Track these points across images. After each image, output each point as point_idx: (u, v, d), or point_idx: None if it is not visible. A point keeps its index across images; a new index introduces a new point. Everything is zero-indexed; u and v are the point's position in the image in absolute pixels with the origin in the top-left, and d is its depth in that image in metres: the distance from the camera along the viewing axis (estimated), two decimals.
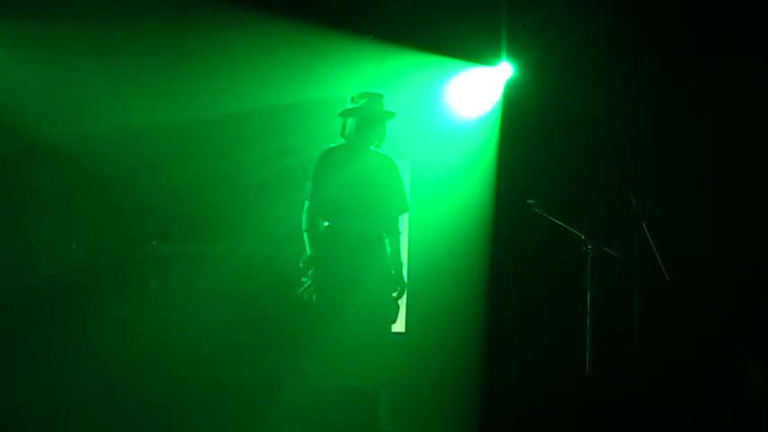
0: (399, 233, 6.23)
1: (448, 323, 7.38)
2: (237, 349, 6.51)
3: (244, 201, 6.94)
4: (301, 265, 6.09)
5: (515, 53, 7.42)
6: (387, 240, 6.15)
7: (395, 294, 6.16)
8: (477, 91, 7.52)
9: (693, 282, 6.93)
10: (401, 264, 6.18)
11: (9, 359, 6.47)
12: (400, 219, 6.27)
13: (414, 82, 7.37)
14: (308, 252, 6.04)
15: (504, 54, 7.40)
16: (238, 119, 7.00)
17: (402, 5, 7.27)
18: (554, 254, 7.13)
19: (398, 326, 7.21)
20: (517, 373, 7.28)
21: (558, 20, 7.35)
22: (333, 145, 6.19)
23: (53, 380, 6.51)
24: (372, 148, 6.18)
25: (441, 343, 7.35)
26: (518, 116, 7.48)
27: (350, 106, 6.15)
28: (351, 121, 6.13)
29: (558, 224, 6.65)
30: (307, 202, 6.10)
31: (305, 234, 6.08)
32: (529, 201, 6.75)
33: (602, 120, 7.34)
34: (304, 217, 6.10)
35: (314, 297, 6.00)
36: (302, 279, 6.06)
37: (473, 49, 7.40)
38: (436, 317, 7.42)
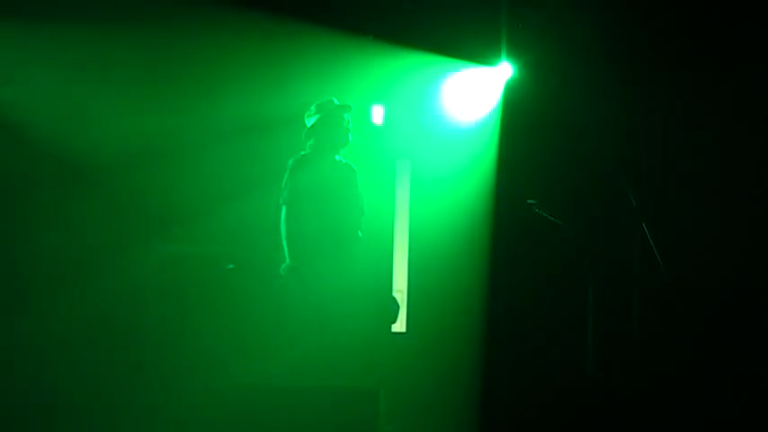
0: (359, 237, 6.39)
1: (448, 323, 7.38)
2: (235, 350, 6.52)
3: (244, 200, 6.94)
4: (282, 272, 6.25)
5: (515, 53, 7.42)
6: (353, 244, 6.34)
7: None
8: (477, 91, 7.52)
9: (693, 281, 6.93)
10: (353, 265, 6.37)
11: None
12: (363, 224, 6.46)
13: (414, 82, 7.37)
14: (288, 261, 6.22)
15: (504, 54, 7.40)
16: (238, 119, 7.01)
17: (402, 5, 7.27)
18: (554, 254, 7.13)
19: (398, 326, 7.22)
20: (517, 372, 7.28)
21: (558, 20, 7.35)
22: (303, 152, 6.39)
23: (50, 378, 6.53)
24: (338, 157, 6.41)
25: (441, 343, 7.35)
26: (518, 116, 7.48)
27: (308, 124, 6.38)
28: (312, 139, 6.36)
29: (558, 224, 6.65)
30: (284, 208, 6.26)
31: (284, 241, 6.23)
32: (529, 201, 6.75)
33: (601, 119, 7.34)
34: (282, 224, 6.26)
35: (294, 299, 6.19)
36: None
37: (473, 49, 7.39)
38: (436, 317, 7.42)
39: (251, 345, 6.44)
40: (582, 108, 7.31)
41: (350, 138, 6.40)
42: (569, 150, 7.38)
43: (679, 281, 6.64)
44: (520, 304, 7.38)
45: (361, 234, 6.41)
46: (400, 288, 7.45)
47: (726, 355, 6.83)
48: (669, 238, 6.77)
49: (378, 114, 7.29)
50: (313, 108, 6.39)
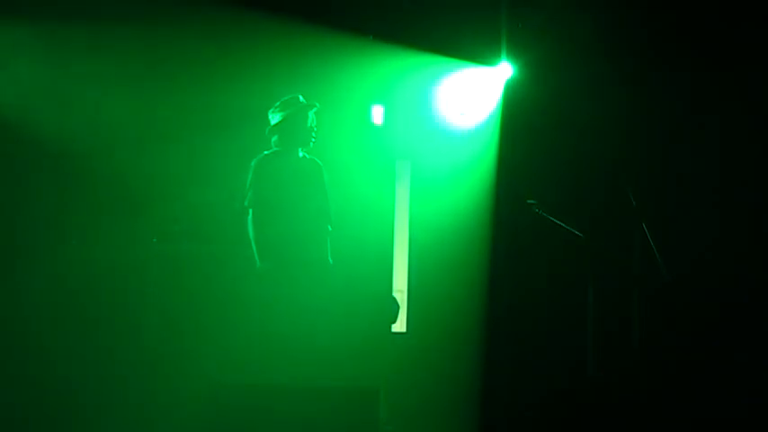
0: (329, 231, 6.38)
1: (448, 323, 7.38)
2: (235, 349, 6.53)
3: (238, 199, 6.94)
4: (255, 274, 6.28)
5: (515, 53, 7.42)
6: (325, 238, 6.34)
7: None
8: (477, 91, 7.52)
9: (693, 281, 6.93)
10: (328, 263, 6.37)
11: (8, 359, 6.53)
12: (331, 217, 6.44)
13: (414, 82, 7.37)
14: (259, 263, 6.22)
15: (504, 54, 7.40)
16: (238, 120, 7.01)
17: (402, 5, 7.27)
18: (554, 254, 7.13)
19: (398, 326, 7.22)
20: (517, 373, 7.28)
21: (558, 20, 7.35)
22: (266, 152, 6.38)
23: (51, 378, 6.54)
24: (301, 153, 6.39)
25: (441, 343, 7.35)
26: (518, 116, 7.48)
27: (272, 121, 6.36)
28: (276, 136, 6.35)
29: (558, 224, 6.65)
30: (251, 210, 6.26)
31: (253, 243, 6.24)
32: (529, 201, 6.75)
33: (601, 119, 7.34)
34: (250, 226, 6.26)
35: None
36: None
37: (473, 49, 7.39)
38: (436, 317, 7.42)
39: (244, 345, 6.45)
40: (582, 108, 7.31)
41: (314, 136, 6.39)
42: (569, 150, 7.37)
43: (679, 281, 6.63)
44: (520, 304, 7.38)
45: (330, 228, 6.38)
46: (400, 288, 7.45)
47: (726, 355, 6.83)
48: (669, 238, 6.77)
49: (378, 114, 7.29)
50: (278, 105, 6.37)
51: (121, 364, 6.62)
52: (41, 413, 6.45)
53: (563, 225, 6.64)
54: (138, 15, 6.79)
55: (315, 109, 6.38)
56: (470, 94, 7.53)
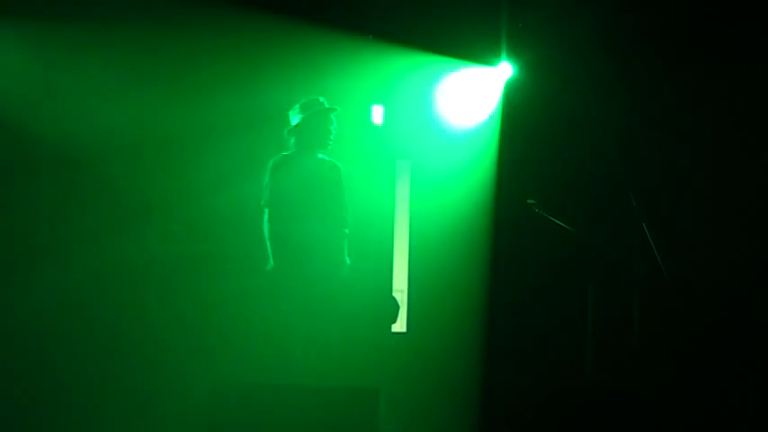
0: (346, 233, 6.39)
1: (448, 323, 7.38)
2: (236, 349, 6.54)
3: (242, 200, 6.95)
4: (267, 273, 6.30)
5: (515, 53, 7.42)
6: (342, 240, 6.35)
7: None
8: (477, 91, 7.52)
9: (693, 281, 6.93)
10: (345, 263, 6.37)
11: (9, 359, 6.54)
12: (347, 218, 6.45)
13: (413, 82, 7.38)
14: (272, 263, 6.24)
15: (504, 54, 7.40)
16: (238, 120, 7.01)
17: (402, 5, 7.27)
18: (554, 254, 7.14)
19: (398, 326, 7.22)
20: (517, 373, 7.29)
21: (558, 20, 7.35)
22: (285, 153, 6.40)
23: (54, 378, 6.55)
24: (320, 155, 6.41)
25: (441, 343, 7.36)
26: (518, 116, 7.48)
27: (293, 122, 6.39)
28: (294, 138, 6.38)
29: (558, 224, 6.66)
30: (267, 210, 6.28)
31: (268, 242, 6.26)
32: (529, 201, 6.76)
33: (602, 119, 7.34)
34: (266, 225, 6.27)
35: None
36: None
37: (473, 49, 7.40)
38: (436, 317, 7.42)
39: (248, 344, 6.46)
40: (582, 108, 7.31)
41: (332, 139, 6.40)
42: (569, 150, 7.38)
43: (679, 281, 6.64)
44: (520, 304, 7.39)
45: (347, 231, 6.39)
46: (400, 288, 7.45)
47: (726, 355, 6.83)
48: (669, 238, 6.77)
49: (378, 114, 7.30)
50: (297, 107, 6.39)
51: (123, 365, 6.63)
52: (42, 413, 6.46)
53: (563, 225, 6.64)
54: (138, 16, 6.79)
55: (335, 112, 6.39)
56: (470, 94, 7.53)
